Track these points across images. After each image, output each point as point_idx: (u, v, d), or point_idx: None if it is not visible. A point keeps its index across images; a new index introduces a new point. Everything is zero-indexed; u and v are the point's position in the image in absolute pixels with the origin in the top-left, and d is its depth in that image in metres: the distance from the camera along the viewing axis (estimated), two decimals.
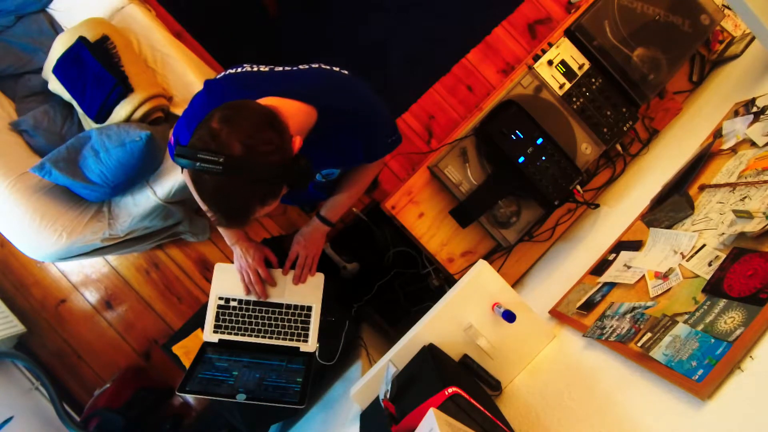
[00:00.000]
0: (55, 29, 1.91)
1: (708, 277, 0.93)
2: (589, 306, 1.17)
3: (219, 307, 1.39)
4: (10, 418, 1.81)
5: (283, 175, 0.89)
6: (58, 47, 1.74)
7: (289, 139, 0.91)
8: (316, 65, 1.20)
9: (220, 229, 1.40)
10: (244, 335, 1.38)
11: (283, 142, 0.88)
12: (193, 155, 0.83)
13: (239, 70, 1.17)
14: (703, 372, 0.76)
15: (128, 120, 1.72)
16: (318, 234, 1.40)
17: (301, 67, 1.18)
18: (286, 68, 1.17)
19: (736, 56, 1.73)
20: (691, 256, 1.01)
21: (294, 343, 1.37)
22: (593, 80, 1.61)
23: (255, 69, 1.16)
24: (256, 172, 0.85)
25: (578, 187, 1.57)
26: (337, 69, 1.21)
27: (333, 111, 1.07)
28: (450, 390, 0.85)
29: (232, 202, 0.87)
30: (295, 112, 0.99)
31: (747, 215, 0.95)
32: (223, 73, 1.19)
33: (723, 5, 1.65)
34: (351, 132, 1.14)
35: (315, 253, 1.41)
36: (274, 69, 1.17)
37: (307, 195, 1.45)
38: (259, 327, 1.38)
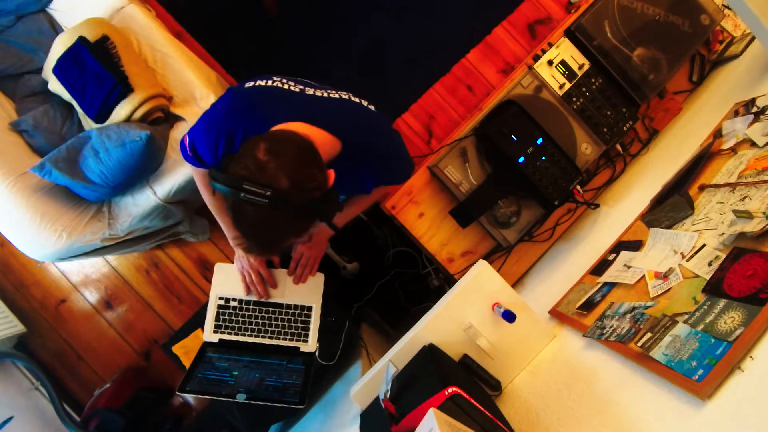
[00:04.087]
0: (55, 29, 1.91)
1: (708, 277, 0.93)
2: (589, 306, 1.17)
3: (219, 307, 1.39)
4: (10, 418, 1.81)
5: (321, 210, 0.90)
6: (58, 47, 1.73)
7: (326, 173, 0.92)
8: (346, 96, 1.17)
9: (223, 228, 1.40)
10: (244, 335, 1.38)
11: (324, 179, 0.90)
12: (238, 185, 0.82)
13: (268, 82, 1.12)
14: (703, 372, 0.76)
15: (128, 120, 1.72)
16: (323, 236, 1.40)
17: (331, 94, 1.15)
18: (317, 92, 1.13)
19: (736, 56, 1.73)
20: (691, 256, 1.01)
21: (294, 343, 1.37)
22: (593, 80, 1.61)
23: (285, 86, 1.12)
24: (300, 207, 0.86)
25: (578, 187, 1.58)
26: (366, 103, 1.20)
27: (357, 147, 1.08)
28: (450, 390, 0.85)
29: (271, 234, 0.88)
30: (323, 142, 1.00)
31: (747, 215, 0.95)
32: (251, 83, 1.14)
33: (723, 5, 1.65)
34: (368, 168, 1.15)
35: (318, 254, 1.41)
36: (304, 91, 1.12)
37: None
38: (259, 327, 1.38)
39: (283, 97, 1.10)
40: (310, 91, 1.13)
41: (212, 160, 1.10)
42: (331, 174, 0.93)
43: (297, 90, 1.12)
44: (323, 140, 1.01)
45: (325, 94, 1.14)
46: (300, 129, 0.97)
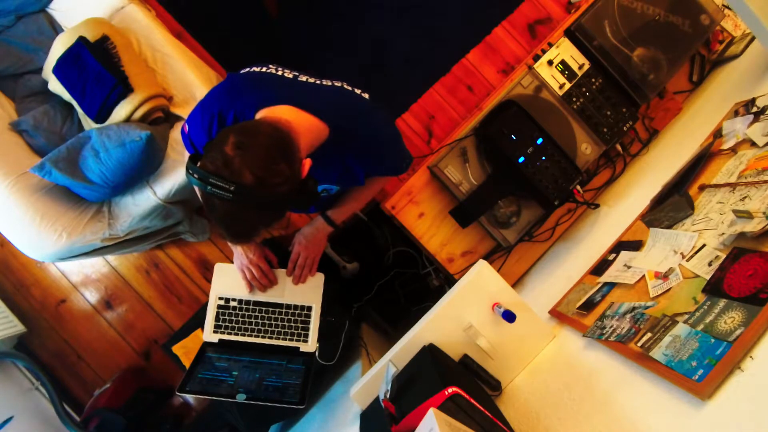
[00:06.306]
0: (55, 29, 1.91)
1: (708, 277, 0.93)
2: (589, 306, 1.17)
3: (219, 307, 1.39)
4: (10, 418, 1.81)
5: (290, 201, 0.91)
6: (58, 47, 1.73)
7: (299, 164, 0.91)
8: (339, 84, 1.19)
9: None
10: (244, 335, 1.38)
11: (293, 172, 0.89)
12: (205, 178, 0.84)
13: (264, 69, 1.17)
14: (703, 372, 0.76)
15: (128, 120, 1.72)
16: (321, 235, 1.40)
17: (324, 82, 1.18)
18: (309, 80, 1.16)
19: (736, 56, 1.73)
20: (691, 256, 1.01)
21: (294, 343, 1.37)
22: (593, 80, 1.61)
23: (279, 72, 1.16)
24: (265, 201, 0.87)
25: (578, 187, 1.58)
26: (359, 91, 1.21)
27: (345, 134, 1.07)
28: (450, 390, 0.85)
29: (240, 225, 0.90)
30: (308, 127, 1.00)
31: (747, 215, 0.95)
32: (247, 69, 1.19)
33: (723, 5, 1.65)
34: (357, 157, 1.15)
35: (316, 253, 1.41)
36: (297, 78, 1.16)
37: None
38: (259, 327, 1.38)
39: (275, 81, 1.13)
40: (303, 78, 1.16)
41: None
42: (306, 164, 0.92)
43: (290, 76, 1.15)
44: (309, 126, 1.01)
45: (318, 82, 1.16)
46: (285, 113, 0.98)
